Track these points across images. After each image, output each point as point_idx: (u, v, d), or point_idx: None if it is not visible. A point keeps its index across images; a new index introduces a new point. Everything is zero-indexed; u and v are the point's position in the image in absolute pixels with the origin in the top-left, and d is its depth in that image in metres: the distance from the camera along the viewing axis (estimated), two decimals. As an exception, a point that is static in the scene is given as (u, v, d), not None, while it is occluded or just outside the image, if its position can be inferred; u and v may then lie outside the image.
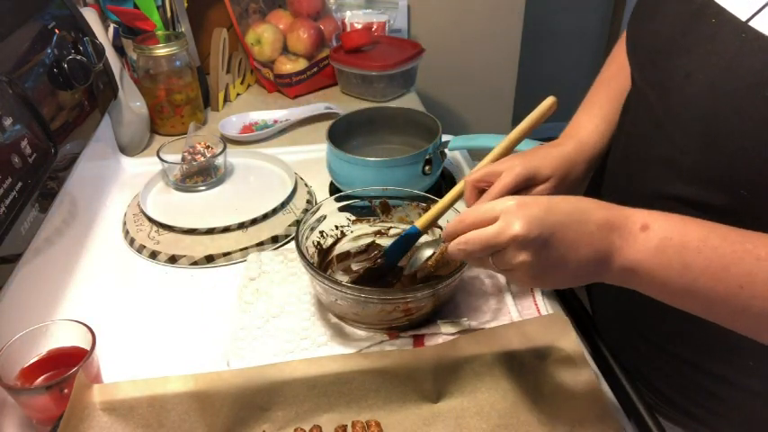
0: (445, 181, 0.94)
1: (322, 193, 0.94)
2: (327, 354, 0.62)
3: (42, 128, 0.70)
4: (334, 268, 0.74)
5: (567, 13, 2.54)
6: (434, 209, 0.65)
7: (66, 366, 0.54)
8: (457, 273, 0.62)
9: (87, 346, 0.56)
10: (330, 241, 0.75)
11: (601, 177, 0.71)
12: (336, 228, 0.76)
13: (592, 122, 0.70)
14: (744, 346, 0.46)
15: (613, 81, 0.71)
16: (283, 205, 0.87)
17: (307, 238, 0.70)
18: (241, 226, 0.82)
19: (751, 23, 0.46)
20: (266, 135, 1.11)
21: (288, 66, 1.25)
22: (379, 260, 0.69)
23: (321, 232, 0.74)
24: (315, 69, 1.27)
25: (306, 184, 0.94)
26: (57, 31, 0.81)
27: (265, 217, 0.84)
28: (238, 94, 1.29)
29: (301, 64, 1.26)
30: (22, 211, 0.62)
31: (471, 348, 0.59)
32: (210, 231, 0.81)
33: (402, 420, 0.56)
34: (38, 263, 0.69)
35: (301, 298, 0.71)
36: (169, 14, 1.12)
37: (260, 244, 0.80)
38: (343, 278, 0.72)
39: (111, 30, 1.13)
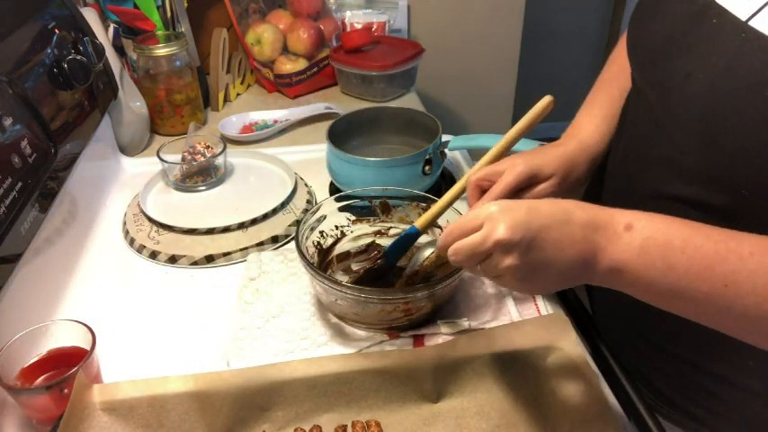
0: (445, 181, 0.94)
1: (322, 193, 0.94)
2: (327, 354, 0.62)
3: (42, 128, 0.70)
4: (334, 268, 0.74)
5: (567, 13, 2.54)
6: (434, 208, 0.66)
7: (67, 366, 0.54)
8: (456, 273, 0.62)
9: (87, 346, 0.56)
10: (330, 241, 0.75)
11: (601, 177, 0.71)
12: (336, 228, 0.76)
13: (593, 123, 0.70)
14: (744, 346, 0.46)
15: (614, 82, 0.72)
16: (283, 205, 0.87)
17: (307, 238, 0.70)
18: (241, 226, 0.82)
19: (751, 23, 0.46)
20: (266, 135, 1.11)
21: (288, 66, 1.25)
22: (379, 260, 0.69)
23: (321, 232, 0.74)
24: (315, 69, 1.27)
25: (306, 184, 0.94)
26: (57, 31, 0.81)
27: (265, 217, 0.84)
28: (238, 94, 1.29)
29: (301, 64, 1.26)
30: (22, 211, 0.62)
31: (471, 348, 0.59)
32: (210, 231, 0.81)
33: (402, 420, 0.56)
34: (38, 263, 0.69)
35: (301, 298, 0.71)
36: (169, 14, 1.12)
37: (260, 244, 0.80)
38: (343, 278, 0.72)
39: (111, 30, 1.13)
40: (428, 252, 0.69)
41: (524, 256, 0.45)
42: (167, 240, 0.81)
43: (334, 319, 0.68)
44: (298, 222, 0.84)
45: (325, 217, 0.73)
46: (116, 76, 0.98)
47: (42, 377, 0.56)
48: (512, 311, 0.68)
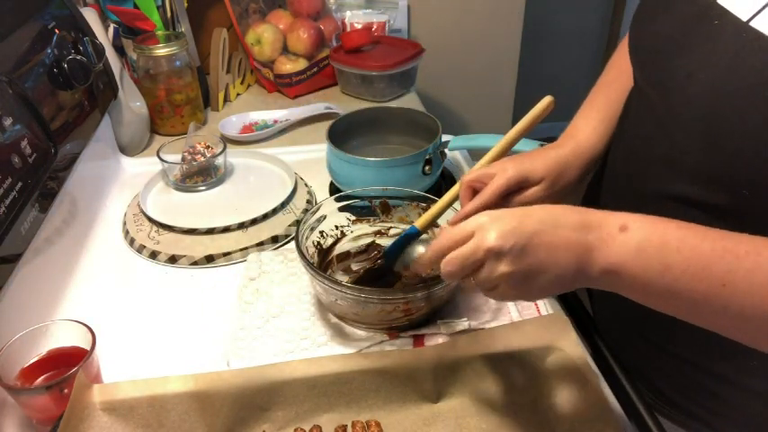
0: (445, 181, 0.94)
1: (322, 193, 0.94)
2: (327, 354, 0.62)
3: (42, 128, 0.70)
4: (334, 268, 0.74)
5: (567, 13, 2.54)
6: (434, 209, 0.66)
7: (67, 366, 0.54)
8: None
9: (87, 346, 0.56)
10: (330, 241, 0.75)
11: (601, 178, 0.71)
12: (336, 228, 0.76)
13: (589, 125, 0.71)
14: (745, 346, 0.46)
15: (613, 84, 0.72)
16: (283, 205, 0.87)
17: (307, 238, 0.70)
18: (241, 226, 0.82)
19: (752, 24, 0.46)
20: (266, 135, 1.11)
21: (288, 66, 1.25)
22: (378, 260, 0.69)
23: (321, 232, 0.74)
24: (315, 69, 1.27)
25: (306, 184, 0.94)
26: (57, 31, 0.81)
27: (265, 217, 0.84)
28: (238, 94, 1.29)
29: (301, 64, 1.26)
30: (22, 211, 0.62)
31: (471, 348, 0.59)
32: (210, 231, 0.81)
33: (402, 420, 0.56)
34: (38, 263, 0.69)
35: (301, 298, 0.71)
36: (169, 14, 1.12)
37: (260, 244, 0.80)
38: (343, 278, 0.72)
39: (111, 30, 1.13)
40: (420, 249, 0.68)
41: (517, 262, 0.45)
42: (167, 240, 0.81)
43: (334, 319, 0.68)
44: (298, 222, 0.84)
45: (325, 217, 0.73)
46: (116, 76, 0.98)
47: (42, 377, 0.56)
48: (512, 311, 0.68)
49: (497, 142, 0.66)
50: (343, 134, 0.91)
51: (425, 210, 0.69)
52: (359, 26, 1.39)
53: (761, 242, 0.43)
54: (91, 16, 0.97)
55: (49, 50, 0.77)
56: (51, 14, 0.83)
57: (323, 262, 0.74)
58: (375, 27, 1.40)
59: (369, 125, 0.96)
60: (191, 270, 0.78)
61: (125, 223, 0.85)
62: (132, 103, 1.03)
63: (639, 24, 0.61)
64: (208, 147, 0.96)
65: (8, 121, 0.63)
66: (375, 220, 0.77)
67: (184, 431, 0.54)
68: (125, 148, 1.04)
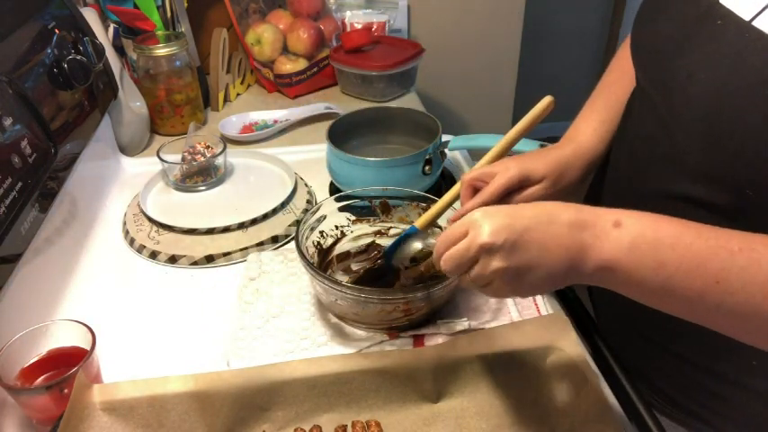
0: (445, 181, 0.94)
1: (322, 193, 0.94)
2: (327, 354, 0.62)
3: (42, 128, 0.70)
4: (334, 268, 0.74)
5: (567, 13, 2.54)
6: (434, 208, 0.66)
7: (67, 366, 0.54)
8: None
9: (87, 346, 0.56)
10: (330, 241, 0.75)
11: (602, 178, 0.71)
12: (336, 228, 0.76)
13: (590, 127, 0.71)
14: (746, 346, 0.46)
15: (614, 86, 0.72)
16: (283, 205, 0.87)
17: (307, 238, 0.70)
18: (241, 226, 0.82)
19: (754, 23, 0.46)
20: (266, 135, 1.11)
21: (288, 66, 1.25)
22: (379, 260, 0.69)
23: (321, 232, 0.74)
24: (315, 69, 1.27)
25: (306, 184, 0.94)
26: (57, 31, 0.81)
27: (265, 217, 0.84)
28: (238, 94, 1.29)
29: (301, 64, 1.26)
30: (22, 211, 0.62)
31: (471, 348, 0.59)
32: (210, 231, 0.81)
33: (402, 420, 0.56)
34: (38, 263, 0.69)
35: (301, 298, 0.71)
36: (169, 14, 1.12)
37: (260, 244, 0.80)
38: (343, 278, 0.72)
39: (111, 30, 1.13)
40: (416, 245, 0.68)
41: (509, 258, 0.45)
42: (167, 240, 0.81)
43: (334, 319, 0.68)
44: (298, 222, 0.84)
45: (325, 217, 0.73)
46: (116, 76, 0.98)
47: (42, 377, 0.56)
48: (512, 311, 0.68)
49: (497, 142, 0.66)
50: (343, 134, 0.91)
51: (425, 210, 0.69)
52: (359, 26, 1.39)
53: (756, 238, 0.43)
54: (91, 16, 0.97)
55: (49, 50, 0.77)
56: (51, 14, 0.83)
57: (323, 262, 0.74)
58: (375, 27, 1.40)
59: (369, 125, 0.96)
60: (191, 270, 0.78)
61: (125, 223, 0.85)
62: (132, 103, 1.03)
63: (642, 25, 0.62)
64: (208, 147, 0.96)
65: (8, 121, 0.63)
66: (375, 220, 0.77)
67: (184, 431, 0.54)
68: (125, 148, 1.04)
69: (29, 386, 0.55)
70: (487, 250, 0.46)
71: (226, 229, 0.82)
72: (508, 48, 1.77)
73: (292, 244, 0.82)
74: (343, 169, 0.86)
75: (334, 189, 0.93)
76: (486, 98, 1.84)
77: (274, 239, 0.82)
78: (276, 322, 0.68)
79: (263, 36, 1.24)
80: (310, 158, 1.01)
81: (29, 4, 0.80)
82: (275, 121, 1.15)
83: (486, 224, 0.46)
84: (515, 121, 0.65)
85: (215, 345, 0.66)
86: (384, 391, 0.57)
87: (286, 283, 0.73)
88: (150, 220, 0.84)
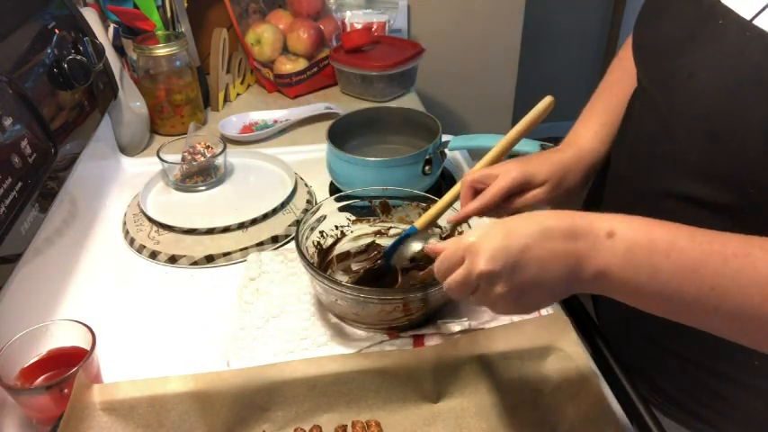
0: (445, 181, 0.94)
1: (322, 193, 0.94)
2: (327, 354, 0.62)
3: (42, 128, 0.70)
4: (334, 268, 0.74)
5: (567, 13, 2.54)
6: (434, 209, 0.66)
7: (67, 366, 0.54)
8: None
9: (87, 346, 0.56)
10: (330, 241, 0.75)
11: (604, 178, 0.71)
12: (336, 228, 0.76)
13: (590, 130, 0.71)
14: (746, 346, 0.46)
15: (615, 87, 0.72)
16: (283, 205, 0.87)
17: (307, 238, 0.70)
18: (241, 226, 0.82)
19: (755, 22, 0.46)
20: (266, 135, 1.11)
21: (288, 66, 1.25)
22: (379, 260, 0.69)
23: (321, 232, 0.74)
24: (315, 69, 1.27)
25: (306, 184, 0.94)
26: (57, 31, 0.81)
27: (265, 217, 0.84)
28: (238, 94, 1.29)
29: (301, 64, 1.26)
30: (22, 211, 0.62)
31: (471, 348, 0.59)
32: (210, 231, 0.81)
33: (402, 420, 0.56)
34: (38, 263, 0.69)
35: (301, 298, 0.71)
36: (169, 14, 1.12)
37: (260, 244, 0.80)
38: (343, 278, 0.72)
39: (111, 30, 1.13)
40: (416, 246, 0.68)
41: (510, 281, 0.45)
42: (167, 240, 0.81)
43: (334, 319, 0.68)
44: (298, 222, 0.84)
45: (325, 217, 0.73)
46: (116, 76, 0.98)
47: (42, 377, 0.56)
48: (512, 311, 0.68)
49: (497, 142, 0.66)
50: (343, 134, 0.91)
51: (425, 210, 0.69)
52: (359, 26, 1.39)
53: (751, 242, 0.43)
54: (91, 16, 0.97)
55: (49, 50, 0.77)
56: (51, 14, 0.83)
57: (323, 262, 0.74)
58: (375, 27, 1.40)
59: (369, 125, 0.96)
60: (191, 270, 0.78)
61: (125, 223, 0.85)
62: (132, 103, 1.03)
63: (643, 24, 0.62)
64: (208, 147, 0.96)
65: (8, 121, 0.63)
66: (375, 220, 0.77)
67: (184, 431, 0.54)
68: (125, 148, 1.04)
69: (29, 386, 0.55)
70: (487, 277, 0.45)
71: (226, 229, 0.82)
72: (508, 48, 1.77)
73: (292, 244, 0.82)
74: (343, 169, 0.86)
75: (334, 189, 0.93)
76: (486, 98, 1.84)
77: (274, 239, 0.82)
78: (276, 322, 0.68)
79: (263, 36, 1.24)
80: (310, 158, 1.01)
81: (29, 4, 0.80)
82: (275, 121, 1.15)
83: (482, 250, 0.45)
84: (515, 121, 0.65)
85: (215, 345, 0.66)
86: (384, 392, 0.57)
87: (286, 283, 0.73)
88: (150, 220, 0.84)
